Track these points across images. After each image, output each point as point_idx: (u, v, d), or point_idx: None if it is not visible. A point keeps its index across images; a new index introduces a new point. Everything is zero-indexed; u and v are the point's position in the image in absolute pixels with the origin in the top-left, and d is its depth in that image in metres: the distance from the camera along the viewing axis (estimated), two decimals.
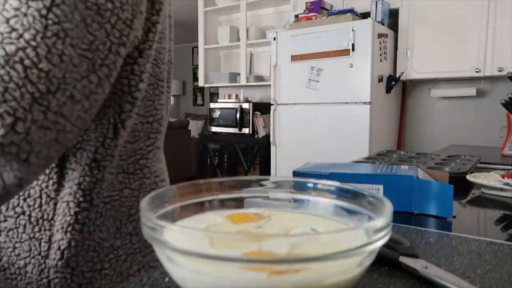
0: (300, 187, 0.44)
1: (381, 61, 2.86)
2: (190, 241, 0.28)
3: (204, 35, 4.19)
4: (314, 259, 0.26)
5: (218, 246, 0.28)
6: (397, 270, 0.40)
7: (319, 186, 0.42)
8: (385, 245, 0.34)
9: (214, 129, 4.01)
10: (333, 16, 2.94)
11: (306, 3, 3.22)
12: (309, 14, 3.13)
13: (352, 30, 2.74)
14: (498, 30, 2.66)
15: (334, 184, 0.41)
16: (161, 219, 0.30)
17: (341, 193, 0.40)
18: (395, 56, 3.07)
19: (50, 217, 0.53)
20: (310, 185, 0.43)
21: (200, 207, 0.41)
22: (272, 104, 3.19)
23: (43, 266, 0.52)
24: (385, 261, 0.41)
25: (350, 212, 0.39)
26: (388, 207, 0.31)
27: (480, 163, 1.18)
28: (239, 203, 0.42)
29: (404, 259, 0.40)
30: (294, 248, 0.28)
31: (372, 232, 0.29)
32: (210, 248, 0.27)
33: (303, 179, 0.44)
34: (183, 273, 0.29)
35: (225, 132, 3.93)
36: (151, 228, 0.29)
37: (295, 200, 0.44)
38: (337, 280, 0.28)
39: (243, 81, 3.97)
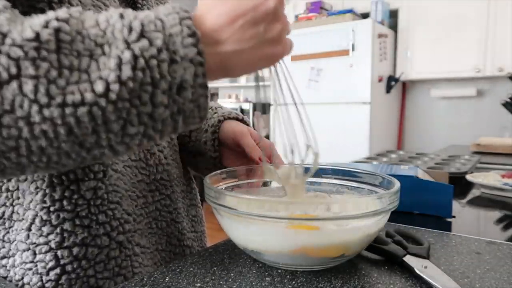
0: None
1: (381, 61, 2.86)
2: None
3: None
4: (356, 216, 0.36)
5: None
6: (397, 269, 0.40)
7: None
8: (396, 243, 0.43)
9: None
10: (333, 16, 2.94)
11: (306, 3, 3.22)
12: (309, 14, 3.13)
13: (352, 30, 2.74)
14: (498, 30, 2.66)
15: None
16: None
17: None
18: (395, 56, 3.07)
19: None
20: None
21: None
22: (272, 104, 3.19)
23: None
24: (392, 258, 0.42)
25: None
26: (396, 184, 0.41)
27: (480, 163, 1.18)
28: None
29: (408, 258, 0.40)
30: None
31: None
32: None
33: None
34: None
35: None
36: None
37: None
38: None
39: (243, 81, 3.96)
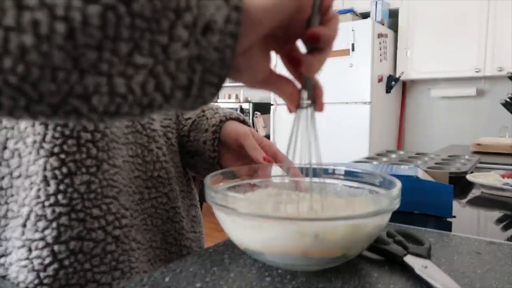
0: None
1: (381, 61, 2.86)
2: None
3: None
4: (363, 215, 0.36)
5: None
6: (398, 269, 0.40)
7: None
8: (397, 243, 0.43)
9: None
10: None
11: None
12: None
13: (352, 30, 2.74)
14: (498, 30, 2.66)
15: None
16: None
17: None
18: (395, 56, 3.07)
19: None
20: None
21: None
22: (272, 104, 3.19)
23: None
24: (392, 258, 0.42)
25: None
26: (398, 184, 0.41)
27: (480, 163, 1.18)
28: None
29: (409, 258, 0.40)
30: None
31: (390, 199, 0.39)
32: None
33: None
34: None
35: None
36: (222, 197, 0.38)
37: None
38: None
39: None
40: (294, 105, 0.37)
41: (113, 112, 0.26)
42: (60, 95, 0.24)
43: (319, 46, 0.33)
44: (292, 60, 0.36)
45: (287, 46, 0.35)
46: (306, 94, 0.37)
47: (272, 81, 0.36)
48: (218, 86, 0.29)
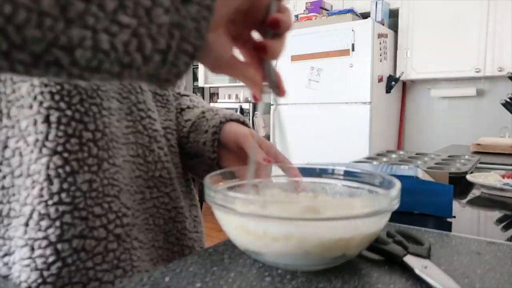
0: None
1: (381, 61, 2.86)
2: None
3: None
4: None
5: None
6: (397, 269, 0.40)
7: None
8: (397, 243, 0.43)
9: None
10: (333, 16, 2.94)
11: (306, 3, 3.22)
12: (309, 14, 3.13)
13: (352, 30, 2.74)
14: (498, 30, 2.66)
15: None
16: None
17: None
18: (395, 56, 3.07)
19: None
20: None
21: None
22: (272, 104, 3.19)
23: None
24: (392, 258, 0.42)
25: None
26: (397, 184, 0.41)
27: (480, 163, 1.18)
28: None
29: (409, 258, 0.40)
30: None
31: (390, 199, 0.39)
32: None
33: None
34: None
35: None
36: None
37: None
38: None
39: None
40: (259, 89, 0.38)
41: (94, 68, 0.27)
42: (44, 43, 0.24)
43: (279, 32, 0.36)
44: (249, 48, 0.38)
45: (245, 33, 0.37)
46: (269, 79, 0.38)
47: (235, 65, 0.37)
48: (192, 56, 0.30)
